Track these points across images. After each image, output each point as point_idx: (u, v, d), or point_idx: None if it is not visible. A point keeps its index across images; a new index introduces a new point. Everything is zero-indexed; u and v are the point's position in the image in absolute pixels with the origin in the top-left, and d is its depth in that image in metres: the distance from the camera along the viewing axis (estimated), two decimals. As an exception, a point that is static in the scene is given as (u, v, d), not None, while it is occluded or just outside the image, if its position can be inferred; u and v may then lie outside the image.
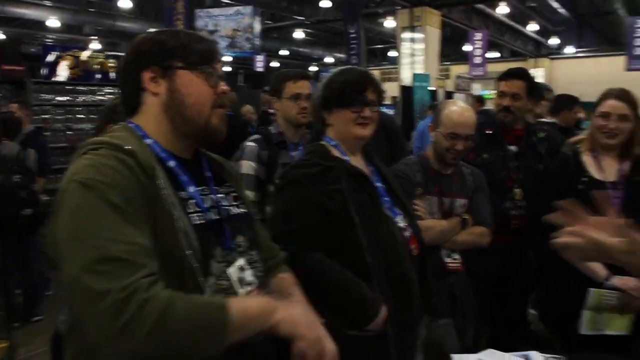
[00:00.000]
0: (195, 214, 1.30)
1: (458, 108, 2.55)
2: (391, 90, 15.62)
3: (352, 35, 12.16)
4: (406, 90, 9.53)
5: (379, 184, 2.03)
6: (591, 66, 25.94)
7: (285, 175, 1.99)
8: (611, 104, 2.55)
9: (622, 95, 2.58)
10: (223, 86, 1.39)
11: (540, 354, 1.97)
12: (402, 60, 15.84)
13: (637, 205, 2.48)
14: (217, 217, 1.36)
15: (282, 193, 1.95)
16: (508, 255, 2.96)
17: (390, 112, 9.27)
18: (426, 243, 2.42)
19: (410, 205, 2.18)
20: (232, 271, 1.33)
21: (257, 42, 10.77)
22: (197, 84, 1.35)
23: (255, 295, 1.35)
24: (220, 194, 1.42)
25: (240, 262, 1.36)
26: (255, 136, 2.92)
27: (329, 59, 26.42)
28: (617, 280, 2.46)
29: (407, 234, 2.01)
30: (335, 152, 1.99)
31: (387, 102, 14.92)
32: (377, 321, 1.81)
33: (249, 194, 2.74)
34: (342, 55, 20.49)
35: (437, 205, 2.54)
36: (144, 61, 1.35)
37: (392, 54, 24.91)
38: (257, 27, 10.72)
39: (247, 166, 2.79)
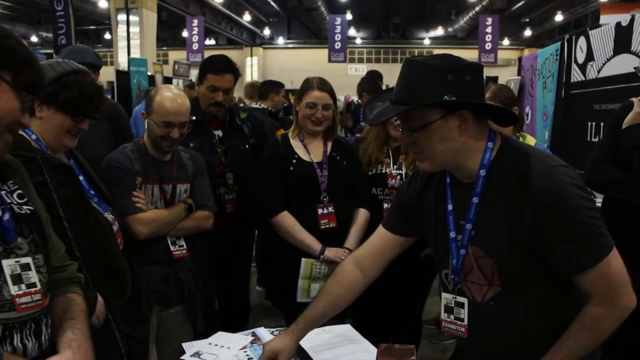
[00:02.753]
0: None
1: (171, 94, 2.44)
2: (107, 74, 14.79)
3: (59, 13, 11.08)
4: (122, 75, 9.11)
5: (81, 177, 2.00)
6: (300, 56, 28.25)
7: None
8: (316, 95, 2.76)
9: (324, 86, 2.81)
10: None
11: (266, 328, 2.07)
12: (118, 43, 15.14)
13: (338, 179, 2.81)
14: None
15: None
16: (229, 237, 3.02)
17: (107, 97, 8.76)
18: (152, 234, 2.36)
19: (112, 199, 2.17)
20: (7, 264, 1.25)
21: None
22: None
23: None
24: (2, 190, 1.33)
25: (26, 259, 1.30)
26: None
27: (34, 38, 24.15)
28: (328, 252, 2.71)
29: (115, 228, 2.06)
30: (34, 145, 1.86)
31: (104, 87, 14.13)
32: (94, 316, 1.79)
33: None
34: (49, 35, 18.71)
35: (158, 194, 2.47)
36: None
37: (108, 36, 23.72)
38: None
39: None
